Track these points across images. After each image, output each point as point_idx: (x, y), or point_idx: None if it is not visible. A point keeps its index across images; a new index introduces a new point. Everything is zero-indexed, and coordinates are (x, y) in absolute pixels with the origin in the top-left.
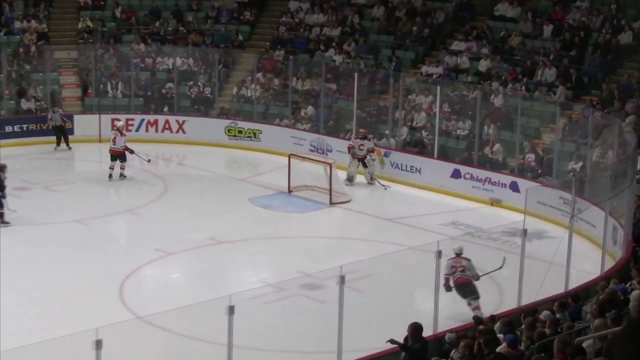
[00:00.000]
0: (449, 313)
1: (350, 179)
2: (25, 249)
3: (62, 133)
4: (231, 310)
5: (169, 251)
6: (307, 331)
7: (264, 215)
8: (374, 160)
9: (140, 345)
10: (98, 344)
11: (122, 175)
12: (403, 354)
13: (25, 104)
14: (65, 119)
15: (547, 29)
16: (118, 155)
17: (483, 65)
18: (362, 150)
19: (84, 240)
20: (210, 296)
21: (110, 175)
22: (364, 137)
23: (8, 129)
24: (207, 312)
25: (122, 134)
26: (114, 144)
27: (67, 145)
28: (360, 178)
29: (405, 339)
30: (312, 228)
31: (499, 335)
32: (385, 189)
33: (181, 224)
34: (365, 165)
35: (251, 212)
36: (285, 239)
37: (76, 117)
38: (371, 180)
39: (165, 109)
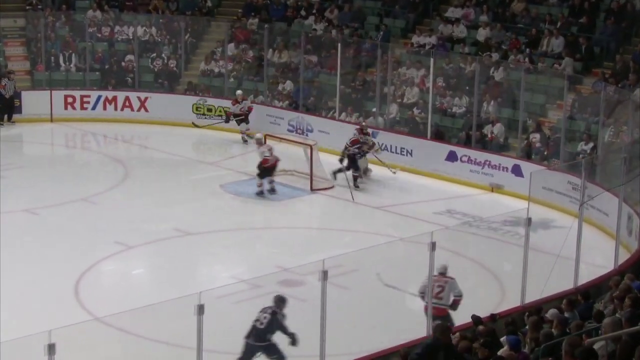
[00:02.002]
0: None
1: (365, 171)
2: None
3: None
4: (200, 309)
5: (130, 244)
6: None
7: (236, 204)
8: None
9: (99, 349)
10: (51, 348)
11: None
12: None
13: None
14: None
15: None
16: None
17: (482, 34)
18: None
19: (34, 232)
20: (177, 294)
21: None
22: (366, 133)
23: None
24: (173, 312)
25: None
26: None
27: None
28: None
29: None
30: (291, 217)
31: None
32: (394, 173)
33: (144, 214)
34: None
35: (222, 199)
36: (260, 230)
37: (24, 94)
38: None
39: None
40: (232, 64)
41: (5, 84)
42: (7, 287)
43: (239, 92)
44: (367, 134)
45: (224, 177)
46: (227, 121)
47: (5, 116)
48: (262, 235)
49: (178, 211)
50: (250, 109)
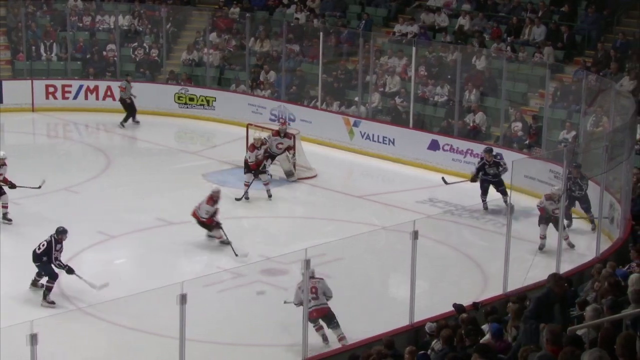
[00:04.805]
0: (426, 300)
1: (290, 174)
2: None
3: (132, 105)
4: (183, 299)
5: (112, 234)
6: (268, 322)
7: None
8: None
9: (81, 339)
10: (33, 339)
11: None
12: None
13: None
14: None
15: None
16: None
17: (463, 23)
18: (280, 149)
19: (16, 222)
20: (160, 284)
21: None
22: (285, 135)
23: None
24: (156, 301)
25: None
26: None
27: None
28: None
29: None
30: (274, 207)
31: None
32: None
33: (126, 204)
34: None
35: (205, 189)
36: (243, 219)
37: (5, 83)
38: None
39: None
40: (214, 53)
41: (125, 87)
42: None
43: (257, 135)
44: (287, 136)
45: (206, 167)
46: (256, 176)
47: (130, 118)
48: (245, 224)
49: (160, 201)
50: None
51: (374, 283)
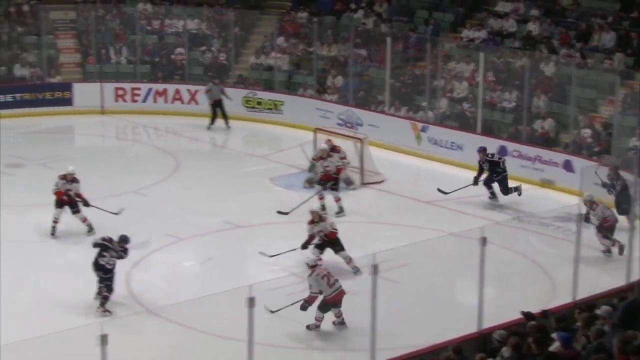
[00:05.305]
0: (493, 307)
1: (349, 182)
2: (25, 229)
3: (221, 109)
4: (251, 302)
5: (181, 236)
6: (335, 326)
7: (286, 197)
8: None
9: (150, 340)
10: (103, 339)
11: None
12: None
13: (18, 71)
14: (226, 94)
15: None
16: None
17: (532, 28)
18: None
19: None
20: (228, 287)
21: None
22: (332, 150)
23: None
24: (224, 304)
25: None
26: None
27: (226, 123)
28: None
29: None
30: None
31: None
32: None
33: (194, 206)
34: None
35: (272, 192)
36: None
37: (75, 86)
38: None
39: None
40: (282, 57)
41: (211, 89)
42: (61, 277)
43: (324, 145)
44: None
45: (273, 170)
46: (325, 188)
47: (213, 121)
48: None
49: (228, 204)
50: (339, 170)
51: (441, 289)
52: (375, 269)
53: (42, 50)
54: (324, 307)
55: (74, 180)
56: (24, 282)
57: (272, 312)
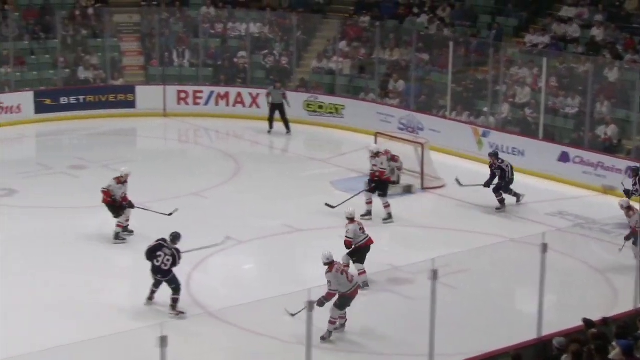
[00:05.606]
0: (553, 314)
1: (407, 189)
2: (84, 231)
3: (281, 114)
4: (310, 306)
5: (241, 239)
6: (393, 331)
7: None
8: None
9: (209, 343)
10: (163, 341)
11: None
12: None
13: (82, 73)
14: (287, 99)
15: None
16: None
17: (596, 34)
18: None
19: (145, 226)
20: (287, 290)
21: None
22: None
23: (63, 100)
24: (283, 307)
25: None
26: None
27: (287, 128)
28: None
29: None
30: (401, 215)
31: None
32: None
33: (254, 209)
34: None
35: (332, 196)
36: (370, 227)
37: (138, 88)
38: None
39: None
40: (344, 61)
41: (270, 92)
42: (122, 278)
43: (373, 146)
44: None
45: (334, 174)
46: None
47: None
48: (372, 232)
49: (288, 207)
50: (381, 174)
51: (500, 295)
52: (434, 274)
53: (106, 53)
54: (342, 304)
55: (125, 181)
56: (81, 283)
57: (292, 315)
